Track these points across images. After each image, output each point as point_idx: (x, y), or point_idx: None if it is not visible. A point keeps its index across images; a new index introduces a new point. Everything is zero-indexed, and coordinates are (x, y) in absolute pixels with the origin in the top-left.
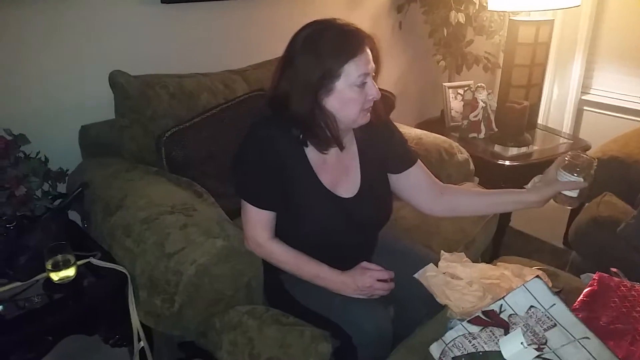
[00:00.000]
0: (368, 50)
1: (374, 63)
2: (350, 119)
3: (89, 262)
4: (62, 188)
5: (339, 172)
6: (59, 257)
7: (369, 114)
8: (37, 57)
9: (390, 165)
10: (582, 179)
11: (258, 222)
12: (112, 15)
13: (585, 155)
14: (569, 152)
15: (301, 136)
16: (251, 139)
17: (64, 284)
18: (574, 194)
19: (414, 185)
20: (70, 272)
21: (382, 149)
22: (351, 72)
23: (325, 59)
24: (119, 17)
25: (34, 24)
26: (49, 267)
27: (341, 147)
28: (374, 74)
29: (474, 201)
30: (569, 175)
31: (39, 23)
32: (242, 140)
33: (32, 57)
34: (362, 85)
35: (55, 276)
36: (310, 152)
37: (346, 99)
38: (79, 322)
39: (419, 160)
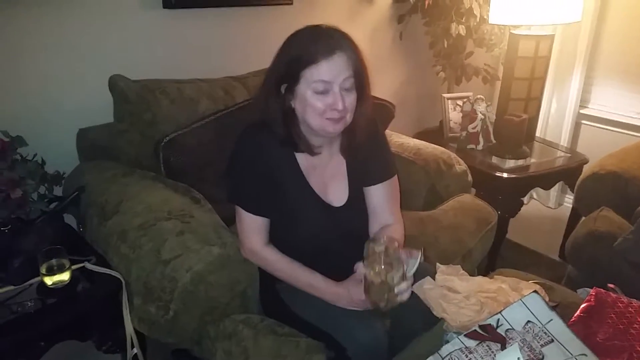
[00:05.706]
0: (341, 61)
1: (355, 76)
2: (313, 125)
3: (83, 266)
4: (58, 191)
5: (327, 180)
6: (54, 261)
7: (339, 124)
8: (37, 59)
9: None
10: (364, 272)
11: (252, 228)
12: (113, 18)
13: (391, 251)
14: (374, 237)
15: (281, 136)
16: (241, 145)
17: (58, 288)
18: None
19: (369, 204)
20: (65, 276)
21: (364, 159)
22: (310, 76)
23: (288, 61)
24: (120, 21)
25: (34, 25)
26: (43, 271)
27: (310, 152)
28: (347, 86)
29: None
30: (361, 263)
31: (39, 25)
32: (234, 147)
33: (31, 58)
34: (325, 93)
35: (49, 280)
36: (300, 156)
37: (306, 104)
38: (72, 327)
39: (386, 183)
